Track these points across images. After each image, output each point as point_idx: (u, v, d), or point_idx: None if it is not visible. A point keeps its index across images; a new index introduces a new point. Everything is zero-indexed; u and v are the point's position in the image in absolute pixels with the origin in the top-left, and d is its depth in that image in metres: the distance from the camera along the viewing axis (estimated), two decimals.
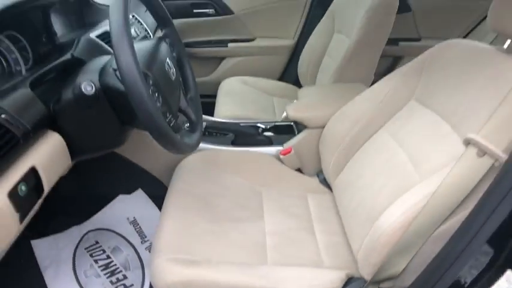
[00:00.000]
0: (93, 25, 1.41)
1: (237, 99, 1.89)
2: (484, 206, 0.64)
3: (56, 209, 1.41)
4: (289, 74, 2.36)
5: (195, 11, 2.24)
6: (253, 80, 2.15)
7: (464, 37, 2.48)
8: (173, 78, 0.92)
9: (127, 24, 0.73)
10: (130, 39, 0.71)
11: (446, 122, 0.96)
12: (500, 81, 0.86)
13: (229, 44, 2.32)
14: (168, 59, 0.93)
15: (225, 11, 2.25)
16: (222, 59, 2.37)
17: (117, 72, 0.80)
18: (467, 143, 0.75)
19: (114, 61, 0.85)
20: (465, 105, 0.93)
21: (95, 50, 1.13)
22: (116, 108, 0.86)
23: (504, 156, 0.67)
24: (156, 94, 0.81)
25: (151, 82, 0.80)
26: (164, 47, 0.96)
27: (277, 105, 1.95)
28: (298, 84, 2.16)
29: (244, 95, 1.96)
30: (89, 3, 1.53)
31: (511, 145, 0.69)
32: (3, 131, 0.73)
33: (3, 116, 0.73)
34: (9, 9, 0.88)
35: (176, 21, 2.19)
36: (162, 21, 1.02)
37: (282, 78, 2.40)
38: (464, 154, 0.75)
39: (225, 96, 1.92)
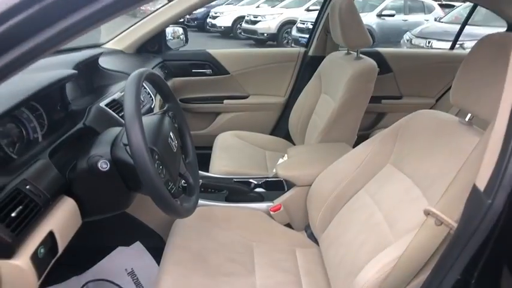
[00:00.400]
0: (101, 89, 1.56)
1: (231, 153, 2.01)
2: (440, 269, 0.75)
3: (56, 259, 1.48)
4: (280, 129, 2.52)
5: (193, 70, 2.42)
6: (247, 134, 2.29)
7: (443, 95, 2.67)
8: (175, 150, 1.05)
9: (138, 109, 0.86)
10: (141, 123, 0.85)
11: (417, 187, 1.08)
12: (460, 154, 0.97)
13: (225, 101, 2.49)
14: (171, 133, 1.06)
15: (221, 71, 2.44)
16: (217, 114, 2.54)
17: (127, 148, 0.93)
18: (427, 213, 0.87)
19: (124, 135, 0.99)
20: (432, 173, 1.04)
21: (105, 119, 1.27)
22: (124, 177, 0.98)
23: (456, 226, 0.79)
24: (161, 167, 0.93)
25: (156, 157, 0.93)
26: (167, 121, 1.10)
27: (269, 158, 2.08)
28: (289, 139, 2.30)
29: (238, 149, 2.09)
30: (97, 68, 1.69)
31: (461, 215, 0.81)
32: (27, 200, 0.84)
33: (28, 187, 0.85)
34: (44, 90, 1.02)
35: (176, 80, 2.38)
36: (166, 96, 1.17)
37: (273, 132, 2.55)
38: (425, 223, 0.87)
39: (219, 151, 2.04)
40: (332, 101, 1.87)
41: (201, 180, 1.59)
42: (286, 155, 1.88)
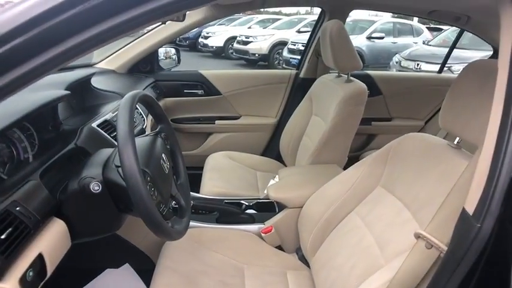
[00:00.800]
0: (93, 109, 1.56)
1: (222, 174, 2.01)
2: None
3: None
4: (272, 150, 2.54)
5: (185, 91, 2.44)
6: (238, 155, 2.29)
7: (432, 118, 2.72)
8: (167, 171, 1.05)
9: (131, 131, 0.86)
10: (134, 145, 0.85)
11: (408, 209, 1.09)
12: (449, 177, 0.98)
13: (216, 121, 2.51)
14: (163, 154, 1.07)
15: (213, 92, 2.46)
16: (209, 134, 2.55)
17: (120, 170, 0.93)
18: (417, 236, 0.87)
19: (117, 157, 0.99)
20: (423, 196, 1.06)
21: (96, 140, 1.27)
22: (116, 199, 0.97)
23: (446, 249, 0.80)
24: (153, 189, 0.93)
25: (149, 179, 0.93)
26: (159, 143, 1.10)
27: (260, 179, 2.08)
28: (280, 159, 2.31)
29: (229, 170, 2.09)
30: (90, 88, 1.69)
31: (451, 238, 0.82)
32: (17, 222, 0.83)
33: (18, 208, 0.84)
34: (36, 111, 1.02)
35: (168, 100, 2.39)
36: (158, 117, 1.18)
37: (264, 153, 2.57)
38: (415, 246, 0.88)
39: (210, 172, 2.04)
40: (323, 122, 1.89)
41: (192, 202, 1.59)
42: (277, 176, 1.89)
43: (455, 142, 1.07)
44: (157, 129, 1.17)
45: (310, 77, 2.44)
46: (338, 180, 1.40)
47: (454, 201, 0.85)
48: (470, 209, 0.68)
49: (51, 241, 0.91)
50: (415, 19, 11.93)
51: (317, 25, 2.44)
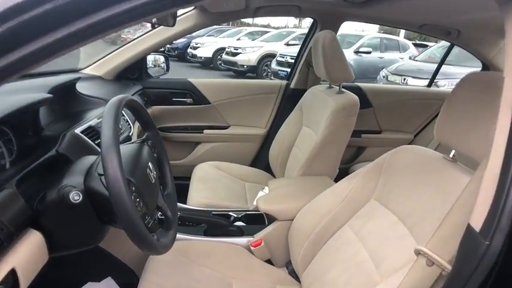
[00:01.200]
0: (77, 115, 1.49)
1: (209, 185, 1.96)
2: None
3: None
4: (261, 161, 2.49)
5: (174, 99, 2.39)
6: (226, 165, 2.24)
7: (421, 131, 2.72)
8: (153, 181, 0.99)
9: (116, 137, 0.81)
10: (119, 152, 0.79)
11: (403, 224, 1.06)
12: (447, 191, 0.96)
13: (205, 131, 2.46)
14: (149, 163, 1.01)
15: (202, 100, 2.41)
16: (197, 144, 2.49)
17: (103, 178, 0.87)
18: (418, 253, 0.83)
19: (100, 165, 0.93)
20: (419, 210, 1.02)
21: (79, 147, 1.20)
22: (98, 210, 0.91)
23: (449, 267, 0.76)
24: (138, 199, 0.87)
25: (133, 189, 0.87)
26: (146, 151, 1.04)
27: (249, 190, 2.03)
28: (269, 170, 2.27)
29: (217, 181, 2.03)
30: (74, 93, 1.63)
31: (455, 256, 0.78)
32: None
33: None
34: (15, 113, 0.96)
35: (156, 108, 2.34)
36: (146, 124, 1.12)
37: (253, 164, 2.52)
38: (415, 263, 0.84)
39: (198, 182, 1.99)
40: (313, 134, 1.86)
41: (179, 213, 1.53)
42: (266, 187, 1.84)
43: (451, 155, 1.05)
44: (144, 137, 1.11)
45: (301, 87, 2.42)
46: (330, 193, 1.36)
47: (457, 217, 0.81)
48: (477, 226, 0.64)
49: (26, 255, 0.84)
50: (401, 35, 12.20)
51: (309, 35, 2.42)
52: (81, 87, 1.69)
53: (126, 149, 0.98)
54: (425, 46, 10.68)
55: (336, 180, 1.81)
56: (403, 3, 1.78)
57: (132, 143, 1.08)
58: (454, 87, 1.01)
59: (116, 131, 0.82)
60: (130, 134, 1.56)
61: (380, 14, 2.12)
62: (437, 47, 8.67)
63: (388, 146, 2.74)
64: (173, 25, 1.43)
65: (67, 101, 1.54)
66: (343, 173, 1.84)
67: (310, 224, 1.32)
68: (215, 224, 1.53)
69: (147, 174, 0.97)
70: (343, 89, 1.90)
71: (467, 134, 0.93)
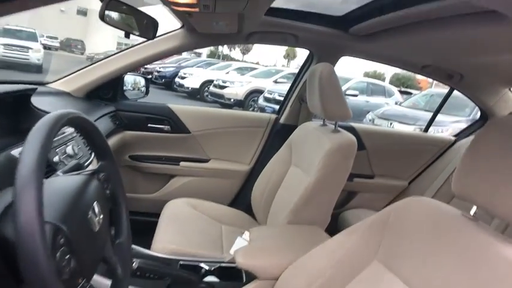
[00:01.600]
0: (25, 133, 1.23)
1: (180, 226, 1.70)
2: None
3: None
4: (241, 201, 2.26)
5: (149, 125, 2.15)
6: (202, 203, 1.99)
7: (416, 178, 2.55)
8: (97, 228, 0.74)
9: (40, 166, 0.57)
10: (39, 189, 0.55)
11: None
12: (472, 259, 0.79)
13: (181, 163, 2.22)
14: (95, 203, 0.76)
15: (182, 129, 2.18)
16: (171, 176, 2.24)
17: None
18: None
19: None
20: (437, 281, 0.83)
21: (11, 174, 0.94)
22: (11, 265, 0.65)
23: None
24: (67, 256, 0.61)
25: (62, 241, 0.61)
26: (94, 186, 0.79)
27: (226, 235, 1.78)
28: (250, 212, 2.02)
29: (190, 221, 1.77)
30: (29, 107, 1.37)
31: None
32: None
33: None
34: None
35: (128, 133, 2.10)
36: (99, 151, 0.87)
37: (233, 204, 2.28)
38: None
39: (167, 222, 1.72)
40: (303, 175, 1.65)
41: (138, 261, 1.25)
42: (246, 233, 1.59)
43: (472, 213, 0.88)
44: (95, 168, 0.86)
45: (291, 123, 2.23)
46: (323, 249, 1.13)
47: None
48: None
49: None
50: (387, 80, 12.55)
51: (303, 68, 2.26)
52: (40, 102, 1.44)
53: (64, 182, 0.74)
54: (410, 94, 10.99)
55: (328, 229, 1.58)
56: (407, 40, 1.66)
57: (78, 173, 0.82)
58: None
59: (41, 157, 0.58)
60: (86, 162, 1.30)
61: (382, 50, 1.99)
62: (422, 95, 8.89)
63: (381, 193, 2.55)
64: (153, 38, 1.23)
65: (16, 115, 1.29)
66: (332, 219, 1.64)
67: (298, 287, 1.08)
68: (181, 279, 1.25)
69: (88, 220, 0.71)
70: (338, 128, 1.70)
71: (495, 189, 0.78)
